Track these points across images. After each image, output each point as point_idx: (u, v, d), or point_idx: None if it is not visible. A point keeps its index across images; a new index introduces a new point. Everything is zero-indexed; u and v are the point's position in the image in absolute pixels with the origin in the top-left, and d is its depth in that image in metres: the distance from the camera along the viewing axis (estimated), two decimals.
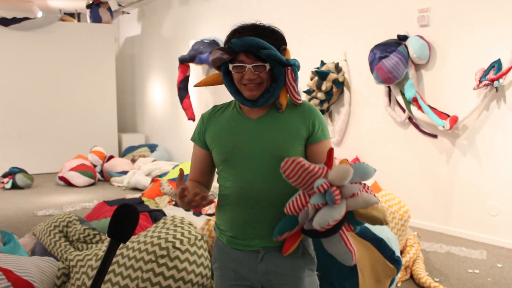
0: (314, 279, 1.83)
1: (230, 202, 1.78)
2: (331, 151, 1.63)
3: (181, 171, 1.63)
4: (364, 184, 1.61)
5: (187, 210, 1.72)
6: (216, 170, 1.86)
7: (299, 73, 1.79)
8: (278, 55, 1.68)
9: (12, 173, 8.03)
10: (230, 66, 1.72)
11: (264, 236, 1.75)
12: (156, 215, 4.01)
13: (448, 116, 4.83)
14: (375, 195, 1.58)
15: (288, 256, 1.76)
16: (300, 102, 1.79)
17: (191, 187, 1.83)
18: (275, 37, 1.74)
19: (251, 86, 1.71)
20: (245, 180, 1.73)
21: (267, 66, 1.69)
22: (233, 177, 1.77)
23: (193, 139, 1.91)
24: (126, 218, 1.25)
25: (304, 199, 1.59)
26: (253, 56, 1.68)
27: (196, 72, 8.69)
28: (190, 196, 1.60)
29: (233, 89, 1.76)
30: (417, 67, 5.19)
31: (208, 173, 1.90)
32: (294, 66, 1.74)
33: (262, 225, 1.74)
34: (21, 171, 8.06)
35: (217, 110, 1.88)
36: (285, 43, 1.77)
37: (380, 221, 1.57)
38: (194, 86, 2.02)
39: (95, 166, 8.67)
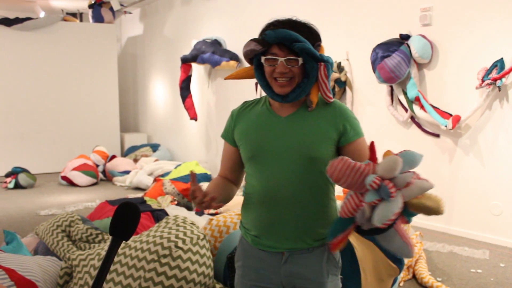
0: (337, 284, 1.80)
1: (255, 201, 1.76)
2: (372, 144, 1.56)
3: (192, 173, 1.61)
4: (414, 172, 1.54)
5: (201, 210, 1.72)
6: (244, 168, 1.84)
7: None
8: (312, 49, 1.65)
9: (14, 172, 8.04)
10: (262, 59, 1.70)
11: (289, 237, 1.72)
12: (159, 215, 4.02)
13: (451, 115, 4.82)
14: (429, 181, 1.51)
15: (313, 260, 1.73)
16: (332, 100, 1.75)
17: (216, 184, 1.82)
18: (310, 33, 1.71)
19: (282, 81, 1.68)
20: (271, 178, 1.71)
21: (300, 60, 1.66)
22: (259, 175, 1.74)
23: (222, 136, 1.88)
24: (127, 216, 1.25)
25: (357, 199, 1.53)
26: (286, 49, 1.66)
27: (198, 72, 8.69)
28: (200, 197, 1.58)
29: (264, 82, 1.73)
30: (420, 66, 5.18)
31: (237, 170, 1.87)
32: (327, 63, 1.71)
33: (287, 226, 1.72)
34: (24, 170, 8.07)
35: (246, 106, 1.85)
36: (320, 39, 1.74)
37: (434, 211, 1.50)
38: (225, 78, 1.99)
39: (97, 165, 8.68)
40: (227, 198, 1.85)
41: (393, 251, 1.61)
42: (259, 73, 1.74)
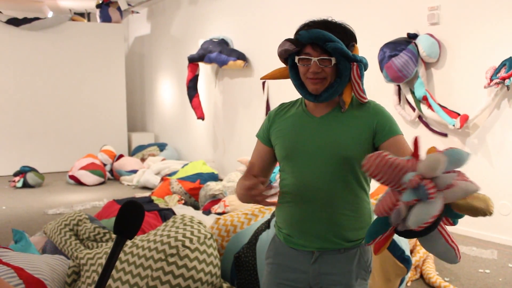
0: None
1: (288, 200, 1.77)
2: (417, 140, 1.43)
3: (252, 162, 1.70)
4: (459, 172, 1.41)
5: (248, 202, 1.71)
6: (279, 167, 1.86)
7: None
8: (344, 49, 1.66)
9: (23, 172, 8.09)
10: (296, 59, 1.72)
11: (320, 236, 1.73)
12: (166, 214, 4.03)
13: (459, 114, 4.80)
14: (474, 182, 1.39)
15: (343, 262, 1.73)
16: (366, 101, 1.76)
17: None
18: (345, 33, 1.72)
19: (315, 80, 1.70)
20: (303, 178, 1.72)
21: (333, 60, 1.67)
22: (292, 174, 1.76)
23: (257, 135, 1.91)
24: (131, 215, 1.26)
25: (394, 197, 1.41)
26: (320, 49, 1.67)
27: (206, 71, 8.70)
28: (264, 188, 1.61)
29: (298, 82, 1.75)
30: (427, 65, 5.16)
31: (267, 170, 1.89)
32: (361, 63, 1.71)
33: (318, 225, 1.72)
34: (32, 170, 8.12)
35: (283, 108, 1.88)
36: (355, 40, 1.75)
37: (483, 212, 1.38)
38: (261, 78, 2.01)
39: (105, 165, 8.71)
40: None
41: (436, 255, 1.52)
42: (293, 73, 1.76)
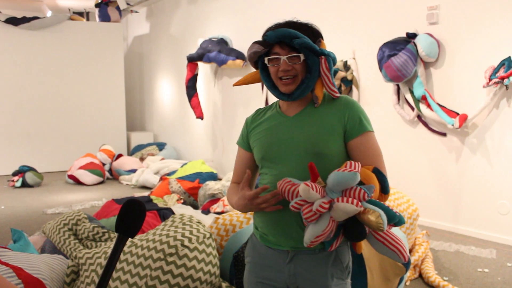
0: None
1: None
2: (312, 166, 1.59)
3: (249, 172, 1.73)
4: (353, 190, 1.54)
5: (250, 211, 1.75)
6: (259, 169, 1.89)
7: None
8: (311, 44, 1.70)
9: (22, 171, 8.08)
10: (266, 60, 1.75)
11: (294, 236, 1.73)
12: (165, 213, 4.03)
13: (458, 114, 4.80)
14: (354, 203, 1.50)
15: (317, 262, 1.74)
16: (337, 95, 1.77)
17: (235, 192, 1.85)
18: (311, 31, 1.76)
19: (286, 80, 1.73)
20: (279, 177, 1.73)
21: (301, 57, 1.70)
22: (270, 174, 1.78)
23: (238, 142, 1.95)
24: (133, 213, 1.26)
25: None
26: (288, 47, 1.71)
27: (205, 70, 8.70)
28: (269, 196, 1.66)
29: (270, 83, 1.79)
30: (426, 65, 5.16)
31: (251, 175, 1.89)
32: (328, 56, 1.74)
33: (293, 225, 1.73)
34: (31, 169, 8.11)
35: (259, 113, 1.92)
36: (320, 36, 1.78)
37: (374, 228, 1.53)
38: (234, 85, 2.05)
39: (104, 164, 8.71)
40: None
41: (386, 256, 1.67)
42: (264, 75, 1.80)
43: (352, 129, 1.73)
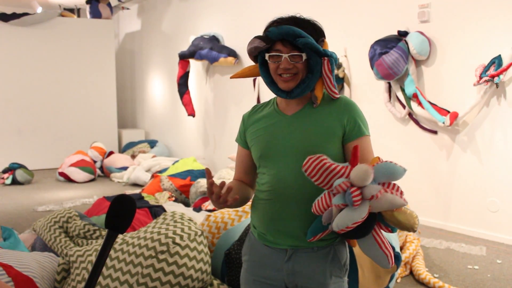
0: (341, 286, 1.78)
1: (262, 198, 1.78)
2: (356, 148, 1.56)
3: (208, 170, 1.65)
4: (392, 185, 1.52)
5: (219, 208, 1.71)
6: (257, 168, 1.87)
7: None
8: (315, 44, 1.66)
9: (12, 168, 8.03)
10: (267, 56, 1.71)
11: (293, 235, 1.72)
12: (156, 211, 4.02)
13: (448, 112, 4.83)
14: (403, 198, 1.49)
15: (315, 260, 1.73)
16: (337, 96, 1.75)
17: (233, 185, 1.82)
18: (314, 29, 1.72)
19: (286, 76, 1.69)
20: (277, 176, 1.72)
21: (304, 56, 1.67)
22: (267, 173, 1.76)
23: (236, 140, 1.92)
24: (123, 209, 1.25)
25: (329, 198, 1.54)
26: (290, 45, 1.67)
27: (196, 68, 8.68)
28: (217, 190, 1.60)
29: (269, 79, 1.75)
30: (418, 63, 5.19)
31: (251, 172, 1.89)
32: (331, 58, 1.71)
33: (291, 223, 1.72)
34: (21, 166, 8.06)
35: (256, 110, 1.88)
36: (323, 35, 1.75)
37: (407, 228, 1.50)
38: (231, 77, 2.00)
39: (95, 161, 8.67)
40: (245, 199, 1.87)
41: (371, 258, 1.61)
42: (263, 70, 1.76)
43: (350, 132, 1.72)
